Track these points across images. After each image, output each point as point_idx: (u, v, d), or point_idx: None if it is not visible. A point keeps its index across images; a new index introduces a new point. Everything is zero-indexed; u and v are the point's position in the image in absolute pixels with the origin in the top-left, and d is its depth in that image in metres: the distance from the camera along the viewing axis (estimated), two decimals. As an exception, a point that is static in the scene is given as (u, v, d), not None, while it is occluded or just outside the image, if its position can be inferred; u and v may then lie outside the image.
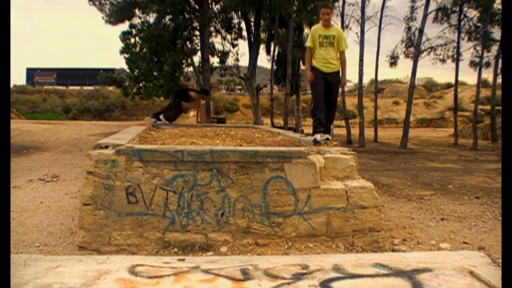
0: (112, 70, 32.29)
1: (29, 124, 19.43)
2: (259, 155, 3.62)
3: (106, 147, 3.69)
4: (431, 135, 24.15)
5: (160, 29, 16.63)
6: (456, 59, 18.32)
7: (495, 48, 17.96)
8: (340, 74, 5.01)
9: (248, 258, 1.90)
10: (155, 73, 17.64)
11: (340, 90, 6.45)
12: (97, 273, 1.63)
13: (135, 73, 18.03)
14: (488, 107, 21.15)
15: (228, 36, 19.74)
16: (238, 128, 7.68)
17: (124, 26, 18.36)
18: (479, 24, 18.08)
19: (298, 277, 1.64)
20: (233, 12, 17.11)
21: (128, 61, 17.88)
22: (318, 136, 4.67)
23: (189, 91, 9.51)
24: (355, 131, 17.78)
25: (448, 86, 48.74)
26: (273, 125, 18.91)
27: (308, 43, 4.99)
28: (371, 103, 28.56)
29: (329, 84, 4.91)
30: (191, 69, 19.80)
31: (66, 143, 13.45)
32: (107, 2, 17.56)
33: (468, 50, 23.25)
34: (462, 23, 18.11)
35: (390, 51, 20.03)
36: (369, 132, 18.36)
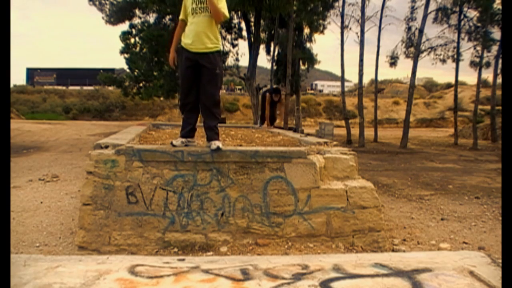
0: (112, 70, 32.35)
1: (29, 124, 19.44)
2: (259, 155, 3.62)
3: (106, 147, 3.69)
4: (431, 135, 24.16)
5: (160, 29, 16.66)
6: (456, 59, 18.33)
7: (495, 48, 17.98)
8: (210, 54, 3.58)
9: (248, 258, 1.90)
10: (155, 73, 17.68)
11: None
12: (97, 273, 1.63)
13: (135, 73, 18.06)
14: (488, 107, 21.16)
15: (228, 36, 19.79)
16: (238, 128, 7.68)
17: (124, 26, 18.39)
18: (479, 24, 18.08)
19: (298, 277, 1.64)
20: (233, 12, 17.11)
21: (128, 61, 17.92)
22: (175, 141, 3.76)
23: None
24: (355, 131, 17.78)
25: (448, 86, 48.77)
26: (273, 125, 18.88)
27: (180, 15, 3.75)
28: (371, 103, 28.56)
29: (201, 71, 3.63)
30: (191, 69, 19.77)
31: (66, 143, 13.46)
32: (107, 2, 17.58)
33: (468, 50, 23.29)
34: (462, 23, 18.12)
35: (390, 51, 20.07)
36: (369, 132, 18.36)
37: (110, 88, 34.75)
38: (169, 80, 17.38)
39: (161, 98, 25.19)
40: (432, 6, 17.58)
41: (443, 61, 19.17)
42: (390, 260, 1.82)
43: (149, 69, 17.38)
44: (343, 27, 17.34)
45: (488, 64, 18.54)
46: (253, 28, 17.08)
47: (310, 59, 23.15)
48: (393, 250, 3.80)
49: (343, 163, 3.94)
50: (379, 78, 29.58)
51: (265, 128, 7.44)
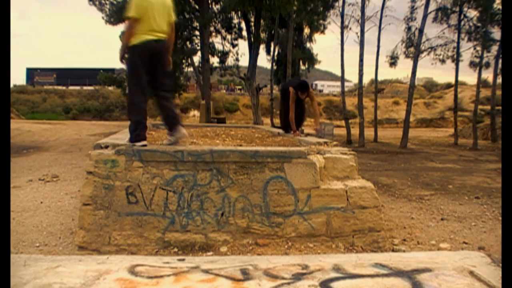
0: (112, 70, 32.29)
1: (29, 124, 19.43)
2: (259, 155, 3.62)
3: (106, 147, 3.69)
4: (431, 135, 24.15)
5: (160, 29, 16.58)
6: (456, 59, 18.33)
7: (495, 48, 17.98)
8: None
9: (248, 258, 1.90)
10: (155, 73, 17.60)
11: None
12: (97, 273, 1.63)
13: (135, 73, 17.98)
14: (488, 107, 21.16)
15: (228, 36, 19.80)
16: (238, 128, 7.68)
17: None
18: (479, 24, 18.08)
19: (298, 277, 1.64)
20: (233, 12, 17.12)
21: (128, 61, 17.86)
22: (137, 144, 3.62)
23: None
24: (355, 131, 17.77)
25: (448, 86, 48.76)
26: (273, 125, 18.92)
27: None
28: (371, 103, 28.56)
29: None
30: (191, 69, 19.82)
31: (66, 143, 13.46)
32: (107, 2, 17.58)
33: (468, 50, 23.27)
34: (462, 23, 18.12)
35: (390, 51, 20.07)
36: (369, 132, 18.35)
37: (110, 88, 34.73)
38: (169, 80, 17.34)
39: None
40: (432, 6, 17.59)
41: (443, 61, 19.18)
42: (390, 260, 1.82)
43: (149, 69, 17.34)
44: (343, 27, 17.34)
45: (488, 64, 18.54)
46: (253, 28, 17.07)
47: (310, 59, 23.16)
48: (393, 250, 3.80)
49: (343, 163, 3.94)
50: (379, 78, 29.59)
51: (295, 136, 5.50)
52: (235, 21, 19.25)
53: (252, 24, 17.15)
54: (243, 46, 22.15)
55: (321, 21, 20.36)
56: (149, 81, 3.69)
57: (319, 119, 6.89)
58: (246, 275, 1.66)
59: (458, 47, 18.20)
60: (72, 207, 5.02)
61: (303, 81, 6.16)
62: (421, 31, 16.61)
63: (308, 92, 5.89)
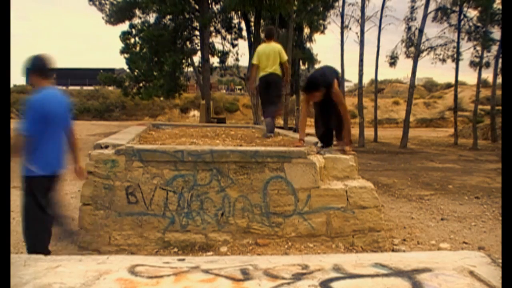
0: (112, 70, 32.28)
1: (29, 124, 19.38)
2: (259, 155, 3.62)
3: (106, 147, 3.70)
4: (431, 135, 24.15)
5: (160, 29, 16.66)
6: (456, 59, 18.33)
7: (495, 48, 17.98)
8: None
9: (248, 258, 1.90)
10: (155, 73, 17.66)
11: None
12: (97, 273, 1.62)
13: (135, 73, 18.04)
14: (488, 107, 21.15)
15: (228, 36, 19.79)
16: (238, 128, 7.67)
17: (124, 26, 18.38)
18: (479, 24, 18.09)
19: (298, 277, 1.63)
20: (233, 12, 17.11)
21: (128, 61, 17.91)
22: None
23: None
24: (355, 131, 17.71)
25: (448, 86, 48.70)
26: (273, 125, 18.84)
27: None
28: (371, 103, 28.53)
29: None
30: (191, 69, 19.83)
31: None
32: (107, 2, 17.59)
33: (468, 50, 23.32)
34: (462, 23, 18.13)
35: (389, 51, 20.08)
36: (369, 132, 18.35)
37: (110, 88, 34.73)
38: (169, 80, 17.37)
39: (161, 98, 25.19)
40: (432, 6, 17.61)
41: (443, 61, 19.18)
42: (390, 260, 1.81)
43: (149, 69, 17.37)
44: (343, 27, 17.35)
45: (488, 64, 18.55)
46: (253, 28, 17.08)
47: (310, 59, 23.14)
48: (393, 250, 3.80)
49: (343, 163, 3.94)
50: (379, 78, 29.64)
51: (348, 150, 4.06)
52: (235, 21, 19.25)
53: (252, 24, 17.15)
54: (243, 46, 22.14)
55: (321, 21, 20.36)
56: (267, 96, 5.68)
57: (350, 133, 4.32)
58: (246, 275, 1.66)
59: (458, 47, 18.21)
60: (72, 207, 5.01)
61: (316, 74, 4.31)
62: (421, 31, 16.62)
63: (329, 91, 3.99)
